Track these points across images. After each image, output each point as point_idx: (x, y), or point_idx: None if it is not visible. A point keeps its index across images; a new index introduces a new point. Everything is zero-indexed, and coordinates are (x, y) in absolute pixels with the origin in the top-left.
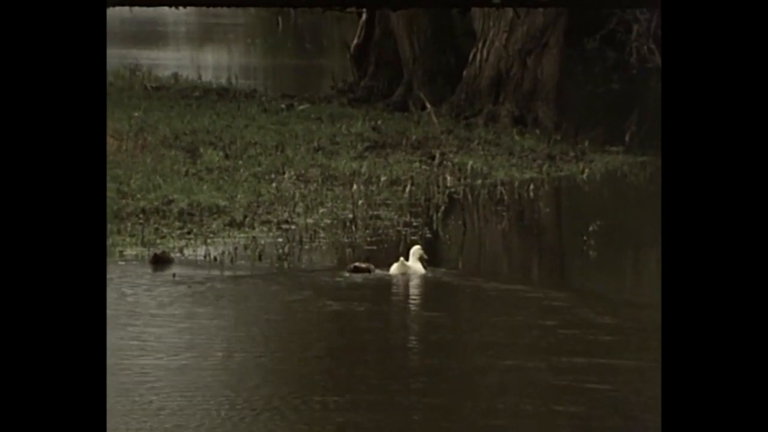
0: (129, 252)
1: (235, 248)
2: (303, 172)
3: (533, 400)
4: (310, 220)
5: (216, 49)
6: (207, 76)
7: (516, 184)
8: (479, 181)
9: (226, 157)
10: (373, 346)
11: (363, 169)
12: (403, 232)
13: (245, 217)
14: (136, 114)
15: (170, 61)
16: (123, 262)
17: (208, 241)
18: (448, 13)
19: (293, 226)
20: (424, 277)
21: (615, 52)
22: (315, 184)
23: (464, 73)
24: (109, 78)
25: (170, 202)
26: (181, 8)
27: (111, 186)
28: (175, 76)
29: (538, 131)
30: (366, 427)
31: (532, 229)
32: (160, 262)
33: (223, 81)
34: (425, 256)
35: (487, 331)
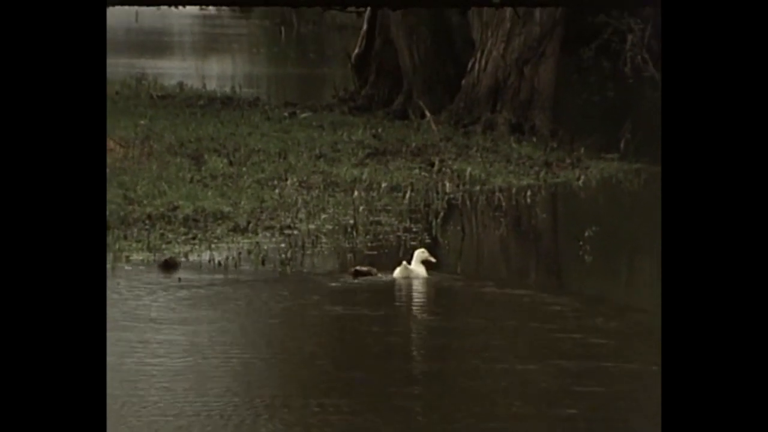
0: (135, 257)
1: (239, 253)
2: (305, 178)
3: (533, 402)
4: (312, 226)
5: (220, 59)
6: (211, 85)
7: (513, 190)
8: (477, 188)
9: (230, 164)
10: (373, 349)
11: (364, 176)
12: (403, 238)
13: (249, 222)
14: (142, 122)
15: (175, 70)
16: (129, 267)
17: (213, 246)
18: (447, 23)
19: (296, 232)
20: (426, 281)
21: (610, 61)
22: (317, 191)
23: (463, 82)
24: (116, 87)
25: (175, 208)
26: (186, 17)
27: (117, 192)
28: (181, 85)
29: (535, 139)
30: (366, 429)
31: (529, 235)
32: (170, 266)
33: (227, 90)
34: (431, 259)
35: (486, 335)
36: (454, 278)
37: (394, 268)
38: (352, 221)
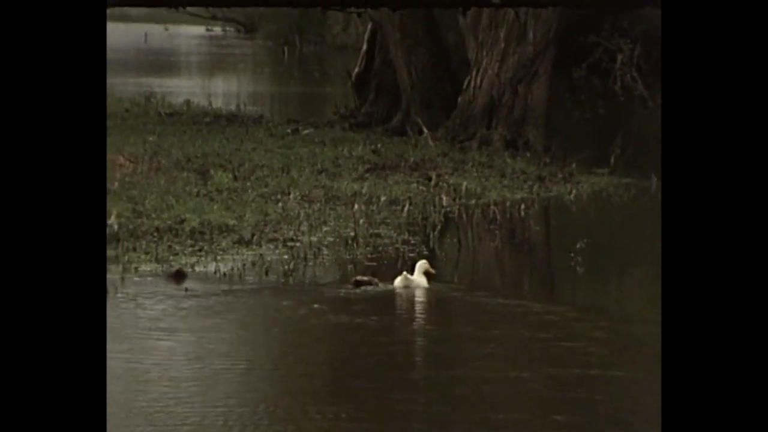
0: (144, 268)
1: (244, 264)
2: (307, 192)
3: (529, 409)
4: (314, 238)
5: (226, 78)
6: (217, 103)
7: (508, 204)
8: (473, 201)
9: (235, 178)
10: (374, 357)
11: (364, 190)
12: (402, 250)
13: (253, 235)
14: (151, 138)
15: (183, 88)
16: (138, 278)
17: (218, 257)
18: (443, 43)
19: (298, 244)
20: (426, 291)
21: (600, 80)
22: (318, 204)
23: (459, 99)
24: (126, 105)
25: (182, 221)
26: (192, 38)
27: (127, 206)
28: (188, 103)
29: (528, 154)
30: None
31: (523, 247)
32: (179, 277)
33: (233, 107)
34: (432, 270)
35: (483, 343)
36: (453, 288)
37: (394, 278)
38: (352, 233)
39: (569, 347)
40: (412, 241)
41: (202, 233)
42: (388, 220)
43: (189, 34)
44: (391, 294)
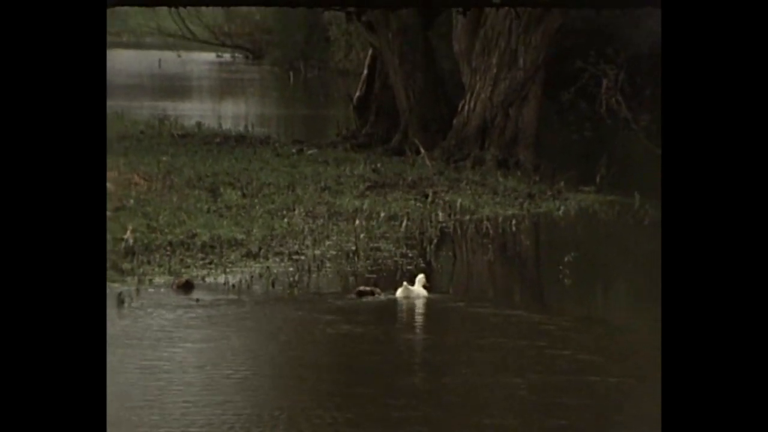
0: (158, 280)
1: (251, 276)
2: (311, 209)
3: (524, 414)
4: (317, 252)
5: (234, 101)
6: (226, 125)
7: (500, 219)
8: (467, 217)
9: (244, 195)
10: (375, 364)
11: (364, 206)
12: (400, 262)
13: (260, 248)
14: (164, 158)
15: (194, 111)
16: (152, 289)
17: (228, 270)
18: (439, 68)
19: (303, 257)
20: (424, 301)
21: (587, 103)
22: (322, 220)
23: (454, 121)
24: (141, 126)
25: (194, 235)
26: (204, 64)
27: (142, 222)
28: (199, 124)
29: (519, 173)
30: None
31: (514, 260)
32: (188, 287)
33: (241, 129)
34: (426, 284)
35: (477, 351)
36: (450, 299)
37: (394, 289)
38: (353, 247)
39: (559, 355)
40: (410, 255)
41: (212, 247)
42: (388, 235)
43: (200, 60)
44: (393, 304)
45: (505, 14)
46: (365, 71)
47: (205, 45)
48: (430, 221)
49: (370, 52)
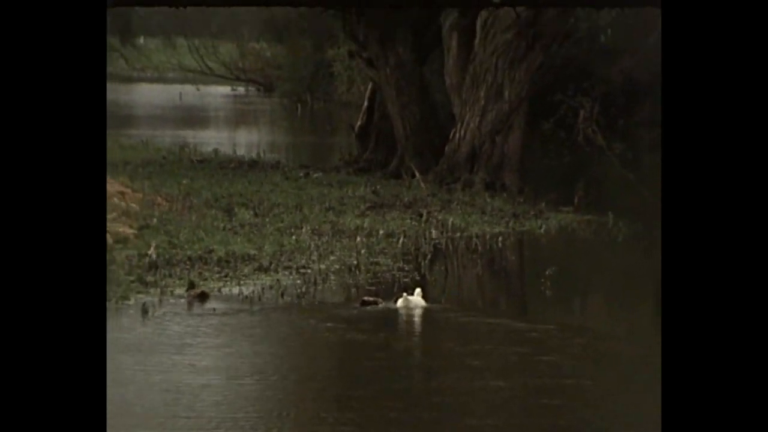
0: (178, 291)
1: (263, 288)
2: (317, 227)
3: (506, 415)
4: (322, 266)
5: (248, 130)
6: (240, 151)
7: (487, 236)
8: (458, 234)
9: (256, 215)
10: (376, 369)
11: (365, 225)
12: (398, 275)
13: (271, 263)
14: (184, 182)
15: (211, 139)
16: (173, 300)
17: (241, 282)
18: (432, 101)
19: (309, 270)
20: (423, 311)
21: (565, 132)
22: (326, 237)
23: (446, 148)
24: (163, 153)
25: (211, 251)
26: (220, 97)
27: (164, 239)
28: (216, 151)
29: (505, 195)
30: None
31: (500, 273)
32: (203, 297)
33: (254, 155)
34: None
35: (468, 356)
36: (446, 309)
37: (395, 300)
38: (355, 262)
39: (541, 360)
40: (406, 269)
41: (227, 261)
42: (386, 251)
43: (217, 93)
44: (394, 313)
45: (492, 51)
46: (366, 103)
47: (221, 79)
48: (425, 238)
49: (370, 85)
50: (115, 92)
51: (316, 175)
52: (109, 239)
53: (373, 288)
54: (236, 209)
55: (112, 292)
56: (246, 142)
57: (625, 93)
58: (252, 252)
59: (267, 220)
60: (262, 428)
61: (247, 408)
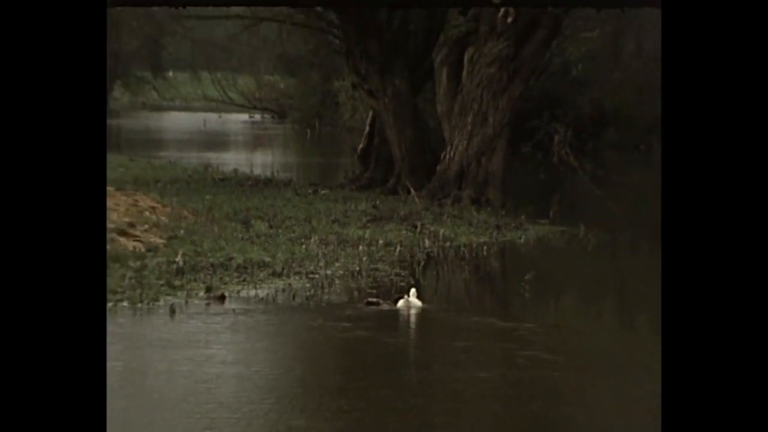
0: (202, 294)
1: (276, 291)
2: (324, 237)
3: (490, 402)
4: (329, 271)
5: (263, 152)
6: (257, 171)
7: (474, 245)
8: (448, 244)
9: (270, 226)
10: (376, 362)
11: (366, 235)
12: (395, 280)
13: (283, 269)
14: (208, 197)
15: (231, 160)
16: (197, 301)
17: (257, 286)
18: (425, 126)
19: (317, 275)
20: (421, 311)
21: (542, 154)
22: (332, 246)
23: (437, 168)
24: (189, 172)
25: (231, 258)
26: (239, 123)
27: (189, 247)
28: (235, 171)
29: (489, 209)
30: (371, 425)
31: (485, 278)
32: (221, 299)
33: (268, 174)
34: (416, 296)
35: (459, 351)
36: (442, 309)
37: (396, 301)
38: (357, 268)
39: (522, 354)
40: (403, 274)
41: (245, 267)
42: (385, 258)
43: (236, 119)
44: (395, 313)
45: (477, 83)
46: (367, 128)
47: (240, 108)
48: (419, 247)
49: (370, 113)
50: (148, 119)
51: (323, 191)
52: (142, 248)
53: (374, 291)
54: (253, 221)
55: (144, 294)
56: (262, 162)
57: (593, 120)
58: (267, 259)
59: (280, 231)
60: (275, 413)
61: (263, 395)
